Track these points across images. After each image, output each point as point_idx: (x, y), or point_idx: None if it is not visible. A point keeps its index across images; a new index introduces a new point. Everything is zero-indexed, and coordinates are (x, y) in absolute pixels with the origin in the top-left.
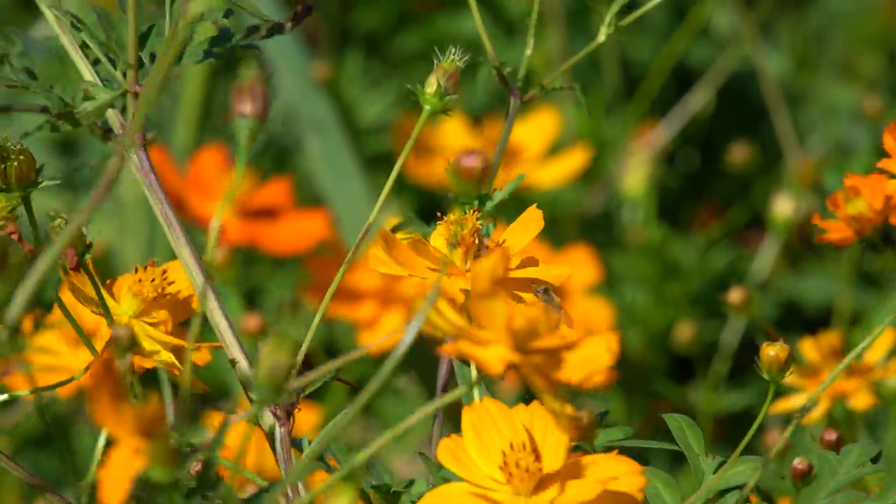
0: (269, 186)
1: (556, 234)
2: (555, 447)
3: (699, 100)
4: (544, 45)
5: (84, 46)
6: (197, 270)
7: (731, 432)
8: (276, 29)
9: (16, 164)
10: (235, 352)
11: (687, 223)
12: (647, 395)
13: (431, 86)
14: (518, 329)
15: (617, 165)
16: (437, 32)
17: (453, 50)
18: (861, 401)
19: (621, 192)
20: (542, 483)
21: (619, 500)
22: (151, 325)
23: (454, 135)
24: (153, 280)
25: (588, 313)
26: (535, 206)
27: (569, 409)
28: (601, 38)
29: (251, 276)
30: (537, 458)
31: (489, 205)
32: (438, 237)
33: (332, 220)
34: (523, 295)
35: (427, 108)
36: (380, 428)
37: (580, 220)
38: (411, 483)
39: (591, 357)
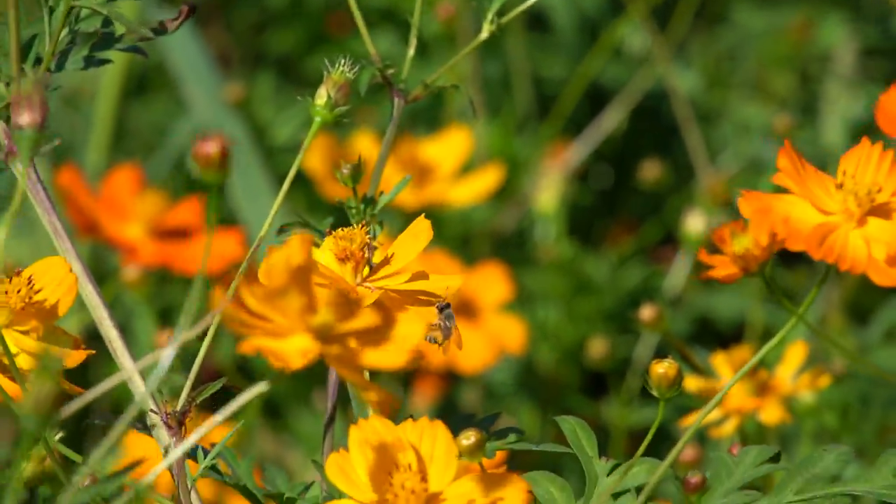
0: (181, 207)
1: (469, 251)
2: (443, 466)
3: (612, 118)
4: (458, 67)
5: None
6: (86, 279)
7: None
8: (159, 29)
9: None
10: (125, 361)
11: (600, 240)
12: (561, 411)
13: (321, 97)
14: (319, 317)
15: (530, 183)
16: (349, 53)
17: (343, 61)
18: (772, 415)
19: (534, 209)
20: (428, 502)
21: None
22: (22, 333)
23: (368, 152)
24: (19, 290)
25: (500, 329)
26: (422, 216)
27: (374, 395)
28: (484, 34)
29: (165, 295)
30: (424, 477)
31: (373, 209)
32: (327, 251)
33: (245, 240)
34: (421, 310)
35: (317, 119)
36: (292, 442)
37: (493, 238)
38: (308, 487)
39: (401, 338)
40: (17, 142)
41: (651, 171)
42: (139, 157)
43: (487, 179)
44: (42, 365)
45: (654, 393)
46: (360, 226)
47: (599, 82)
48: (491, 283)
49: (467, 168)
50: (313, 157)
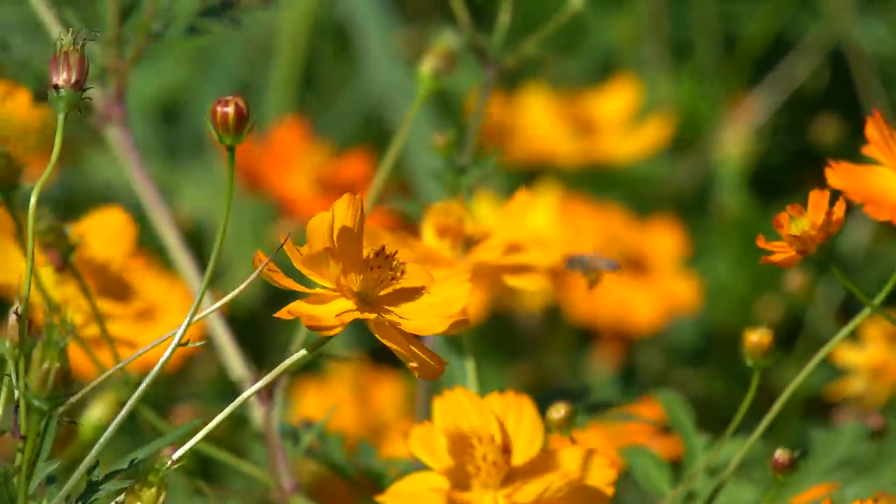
0: (350, 159)
1: (644, 206)
2: (528, 439)
3: (801, 70)
4: (638, 14)
5: (66, 23)
6: (181, 252)
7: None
8: (266, 1)
9: None
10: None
11: (787, 197)
12: (735, 373)
13: (427, 65)
14: (361, 281)
15: (713, 137)
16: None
17: (448, 31)
18: None
19: (717, 164)
20: (510, 476)
21: (588, 494)
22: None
23: (538, 108)
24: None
25: (673, 288)
26: (525, 189)
27: (416, 362)
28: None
29: None
30: (507, 450)
31: (466, 179)
32: (428, 227)
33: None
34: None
35: (423, 87)
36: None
37: (672, 193)
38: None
39: (444, 302)
40: (54, 101)
41: (829, 127)
42: (320, 109)
43: (657, 133)
44: (47, 342)
45: (748, 362)
46: (456, 199)
47: (789, 34)
48: (664, 240)
49: (638, 121)
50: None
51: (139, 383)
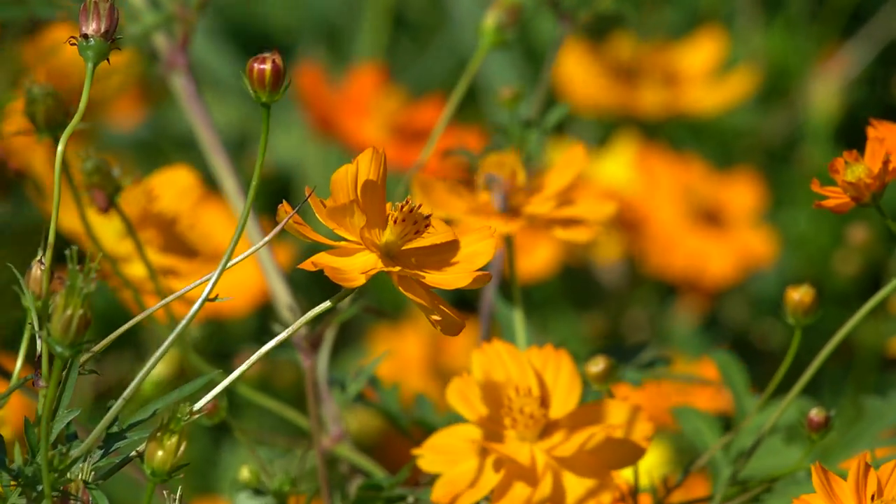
0: (427, 106)
1: (731, 157)
2: (566, 392)
3: (891, 20)
4: None
5: None
6: (239, 201)
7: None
8: None
9: (43, 107)
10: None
11: None
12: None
13: (491, 19)
14: (385, 235)
15: (803, 88)
16: None
17: None
18: None
19: (806, 115)
20: (547, 429)
21: (625, 447)
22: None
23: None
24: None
25: (750, 240)
26: (578, 145)
27: (438, 315)
28: None
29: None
30: (545, 403)
31: (533, 135)
32: (480, 179)
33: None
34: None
35: (486, 40)
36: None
37: (760, 144)
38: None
39: (469, 256)
40: (82, 50)
41: None
42: (411, 55)
43: (742, 85)
44: (71, 288)
45: (790, 321)
46: (512, 151)
47: None
48: (742, 193)
49: (725, 73)
50: (569, 62)
51: (201, 336)
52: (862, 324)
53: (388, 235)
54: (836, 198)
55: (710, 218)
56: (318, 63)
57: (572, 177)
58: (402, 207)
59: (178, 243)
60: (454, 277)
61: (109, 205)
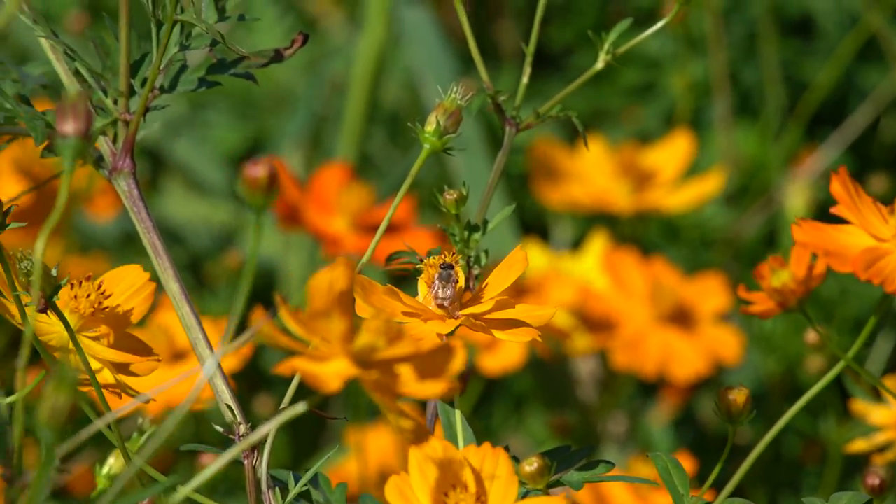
0: (391, 202)
1: (703, 257)
2: (503, 491)
3: (862, 120)
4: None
5: (78, 74)
6: (184, 302)
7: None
8: (275, 57)
9: None
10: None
11: None
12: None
13: (431, 124)
14: (360, 342)
15: (777, 188)
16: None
17: (454, 88)
18: None
19: (781, 214)
20: None
21: None
22: (93, 339)
23: (592, 161)
24: (89, 295)
25: (716, 340)
26: (519, 247)
27: (408, 424)
28: (599, 64)
29: None
30: (480, 500)
31: (476, 236)
32: (422, 281)
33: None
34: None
35: (426, 146)
36: None
37: (733, 243)
38: None
39: (438, 365)
40: (60, 150)
41: (879, 185)
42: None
43: (709, 185)
44: (59, 377)
45: (723, 419)
46: (450, 253)
47: (858, 86)
48: (710, 293)
49: (696, 173)
50: (531, 160)
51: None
52: (831, 424)
53: (361, 343)
54: (761, 304)
55: (681, 318)
56: (292, 161)
57: (513, 279)
58: (377, 318)
59: (131, 340)
60: (425, 387)
61: (46, 304)
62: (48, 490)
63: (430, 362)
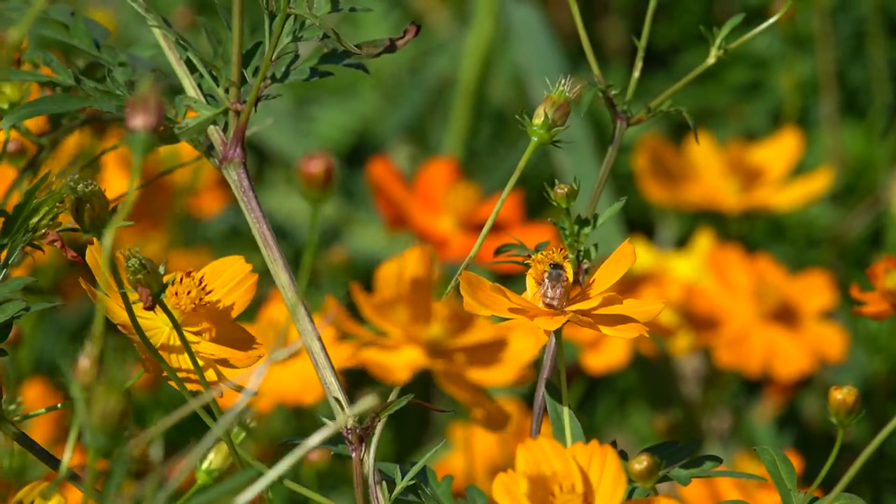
0: (496, 200)
1: (809, 256)
2: (610, 490)
3: None
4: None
5: (189, 63)
6: (293, 294)
7: None
8: (389, 47)
9: (88, 206)
10: (328, 376)
11: None
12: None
13: (539, 117)
14: (430, 332)
15: (884, 187)
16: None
17: (563, 81)
18: None
19: (887, 214)
20: None
21: None
22: (194, 334)
23: (701, 158)
24: (189, 292)
25: (820, 338)
26: (627, 241)
27: (482, 412)
28: (711, 59)
29: None
30: (588, 500)
31: (586, 230)
32: (530, 277)
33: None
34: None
35: (534, 139)
36: None
37: (839, 242)
38: None
39: (513, 354)
40: (130, 144)
41: None
42: (491, 150)
43: (817, 184)
44: (108, 380)
45: (833, 419)
46: (559, 249)
47: None
48: (814, 291)
49: (803, 171)
50: (640, 157)
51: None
52: None
53: (433, 332)
54: (875, 304)
55: (785, 315)
56: (399, 159)
57: (621, 274)
58: (447, 305)
59: (233, 333)
60: (498, 375)
61: (154, 302)
62: (118, 486)
63: (498, 350)
